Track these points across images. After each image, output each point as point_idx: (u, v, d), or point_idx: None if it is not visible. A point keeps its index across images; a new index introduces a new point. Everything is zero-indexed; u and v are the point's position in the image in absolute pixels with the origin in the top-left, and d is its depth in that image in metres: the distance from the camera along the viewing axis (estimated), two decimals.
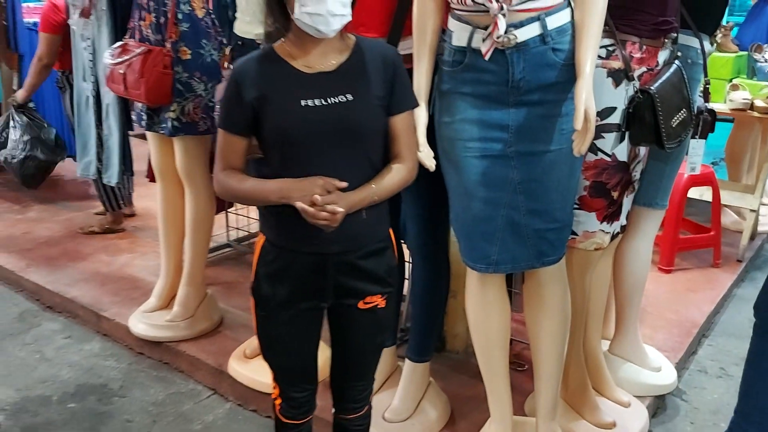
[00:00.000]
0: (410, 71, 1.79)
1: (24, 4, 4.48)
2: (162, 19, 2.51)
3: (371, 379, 1.81)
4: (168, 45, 2.51)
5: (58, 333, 3.01)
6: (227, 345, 2.69)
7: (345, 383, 1.78)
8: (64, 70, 3.64)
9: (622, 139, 1.96)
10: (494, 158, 1.78)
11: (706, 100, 2.19)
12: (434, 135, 1.86)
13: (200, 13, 2.55)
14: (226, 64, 2.45)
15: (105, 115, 3.25)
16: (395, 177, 1.58)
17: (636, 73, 1.94)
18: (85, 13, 3.18)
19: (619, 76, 1.91)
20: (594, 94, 1.64)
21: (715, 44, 3.93)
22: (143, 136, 2.81)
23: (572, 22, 1.71)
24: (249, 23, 2.27)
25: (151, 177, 3.09)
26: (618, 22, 1.91)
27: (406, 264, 2.38)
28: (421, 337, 2.24)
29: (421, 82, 1.83)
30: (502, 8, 1.64)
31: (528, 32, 1.67)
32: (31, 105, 3.94)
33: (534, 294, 1.95)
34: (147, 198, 4.00)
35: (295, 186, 1.48)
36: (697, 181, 3.44)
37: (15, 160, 3.83)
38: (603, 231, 2.02)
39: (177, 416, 2.46)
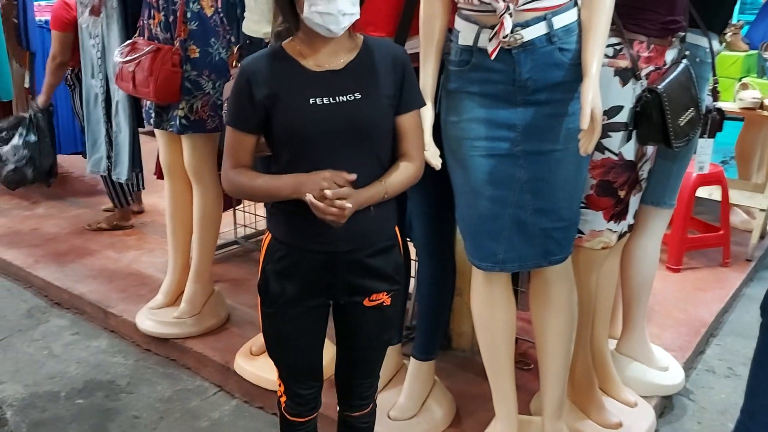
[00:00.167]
0: (416, 70, 1.78)
1: (35, 3, 4.50)
2: (171, 18, 2.52)
3: (377, 376, 1.82)
4: (177, 43, 2.52)
5: (66, 329, 3.03)
6: (234, 342, 2.71)
7: (350, 381, 1.78)
8: (73, 67, 3.66)
9: (629, 138, 1.95)
10: (501, 157, 1.78)
11: (715, 99, 2.18)
12: (440, 134, 1.86)
13: (209, 12, 2.56)
14: (234, 63, 2.46)
15: (114, 113, 3.26)
16: (403, 175, 1.59)
17: (643, 72, 1.93)
18: (94, 11, 3.19)
19: (626, 75, 1.90)
20: (601, 93, 1.64)
21: (724, 43, 3.91)
22: (152, 133, 2.82)
23: (579, 21, 1.70)
24: (257, 22, 2.28)
25: (159, 174, 3.10)
26: (625, 20, 1.90)
27: (412, 262, 2.38)
28: (427, 336, 2.24)
29: (427, 81, 1.83)
30: (508, 8, 1.63)
31: (534, 32, 1.67)
32: (51, 108, 3.89)
33: (540, 293, 1.95)
34: (155, 195, 4.03)
35: (306, 179, 1.49)
36: (706, 180, 3.42)
37: (5, 165, 3.80)
38: (610, 230, 2.01)
39: (184, 413, 2.47)
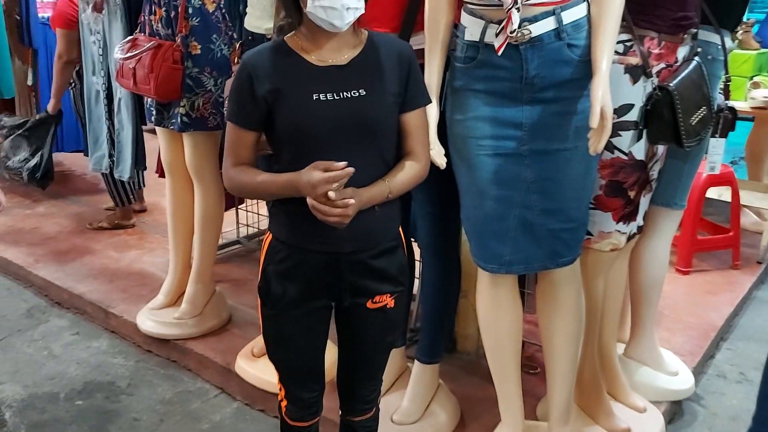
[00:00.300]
0: (422, 67, 1.74)
1: None
2: (172, 14, 2.49)
3: (380, 380, 1.78)
4: (178, 39, 2.48)
5: (66, 329, 3.00)
6: (235, 343, 2.67)
7: (353, 384, 1.74)
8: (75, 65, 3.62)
9: (639, 137, 1.90)
10: (507, 156, 1.73)
11: (727, 97, 2.13)
12: (445, 132, 1.81)
13: (211, 8, 2.52)
14: (236, 60, 2.43)
15: (117, 110, 3.23)
16: (408, 174, 1.55)
17: (654, 70, 1.88)
18: (97, 8, 3.16)
19: (636, 73, 1.85)
20: (611, 91, 1.59)
21: (736, 41, 3.85)
22: (154, 131, 2.78)
23: (588, 16, 1.66)
24: (259, 18, 2.24)
25: (161, 172, 3.06)
26: (636, 16, 1.85)
27: (416, 263, 2.34)
28: (431, 338, 2.19)
29: (432, 78, 1.78)
30: (516, 2, 1.59)
31: (542, 27, 1.62)
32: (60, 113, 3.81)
33: (547, 295, 1.90)
34: (156, 194, 3.99)
35: (301, 174, 1.43)
36: (716, 180, 3.36)
37: (5, 160, 3.77)
38: (619, 231, 1.97)
39: (184, 415, 2.43)
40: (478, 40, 1.68)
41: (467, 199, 1.84)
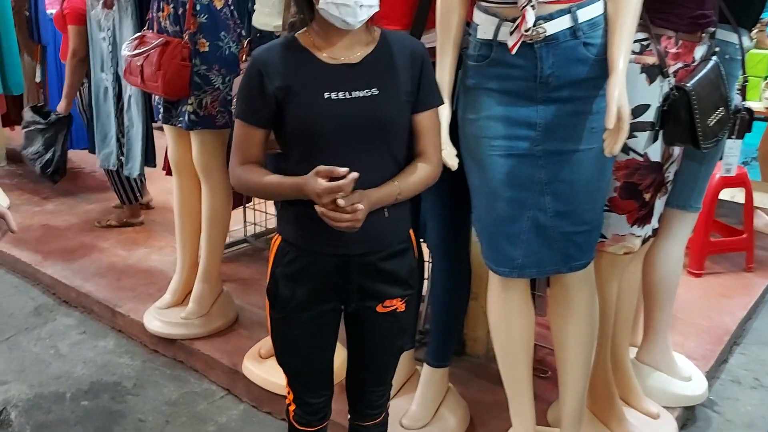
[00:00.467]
0: (433, 65, 1.71)
1: None
2: (180, 10, 2.46)
3: (389, 384, 1.75)
4: (186, 37, 2.46)
5: (73, 328, 2.98)
6: (242, 344, 2.64)
7: (362, 388, 1.71)
8: None
9: (655, 139, 1.86)
10: (520, 157, 1.70)
11: (744, 98, 2.09)
12: (457, 132, 1.78)
13: (219, 5, 2.49)
14: (244, 57, 2.40)
15: (126, 107, 3.21)
16: (419, 175, 1.51)
17: (671, 69, 1.85)
18: (107, 4, 3.14)
19: (653, 72, 1.82)
20: (627, 91, 1.55)
21: (754, 40, 3.78)
22: (162, 128, 2.76)
23: (605, 15, 1.62)
24: (268, 15, 2.21)
25: (168, 170, 3.04)
26: (653, 15, 1.81)
27: (426, 264, 2.30)
28: (441, 342, 2.16)
29: (444, 77, 1.75)
30: (530, 0, 1.55)
31: (558, 25, 1.59)
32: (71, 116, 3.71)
33: (560, 299, 1.86)
34: (165, 192, 3.96)
35: (306, 180, 1.39)
36: (729, 182, 3.31)
37: (24, 150, 3.75)
38: (633, 234, 1.93)
39: (190, 417, 2.41)
40: (491, 38, 1.65)
41: (479, 200, 1.81)
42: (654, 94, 1.82)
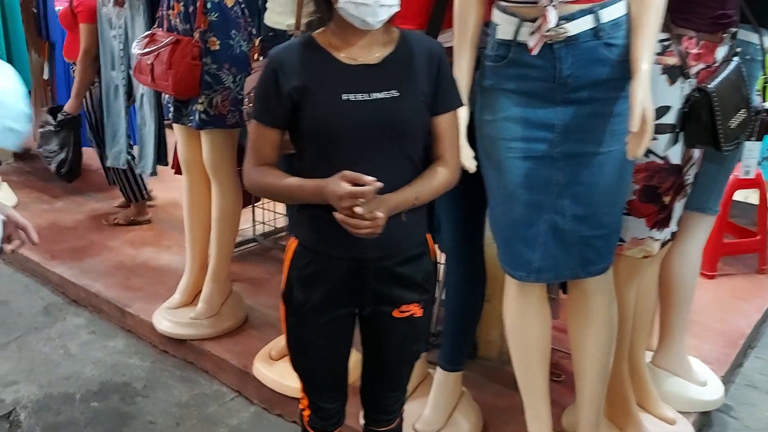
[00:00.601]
0: (450, 65, 1.68)
1: None
2: (191, 8, 2.44)
3: (405, 390, 1.73)
4: (196, 35, 2.43)
5: (83, 328, 2.97)
6: (252, 345, 2.62)
7: (377, 394, 1.70)
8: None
9: (675, 141, 1.83)
10: (538, 159, 1.67)
11: (764, 99, 2.05)
12: (474, 133, 1.75)
13: (230, 3, 2.47)
14: (255, 56, 2.37)
15: (139, 105, 3.19)
16: (438, 180, 1.49)
17: (693, 70, 1.81)
18: (119, 2, 3.11)
19: (674, 73, 1.78)
20: None
21: None
22: (171, 127, 2.74)
23: (628, 15, 1.58)
24: (281, 14, 2.18)
25: (177, 169, 3.02)
26: (673, 15, 1.77)
27: (439, 266, 2.27)
28: (455, 345, 2.13)
29: (462, 77, 1.72)
30: (551, 0, 1.52)
31: (580, 25, 1.56)
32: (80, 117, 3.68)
33: (578, 304, 1.84)
34: (173, 190, 3.94)
35: (326, 183, 1.37)
36: (743, 183, 3.27)
37: (40, 147, 3.74)
38: (652, 238, 1.90)
39: (201, 419, 2.39)
40: (511, 38, 1.62)
41: (495, 202, 1.78)
42: (675, 95, 1.79)
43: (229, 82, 2.49)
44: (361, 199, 1.33)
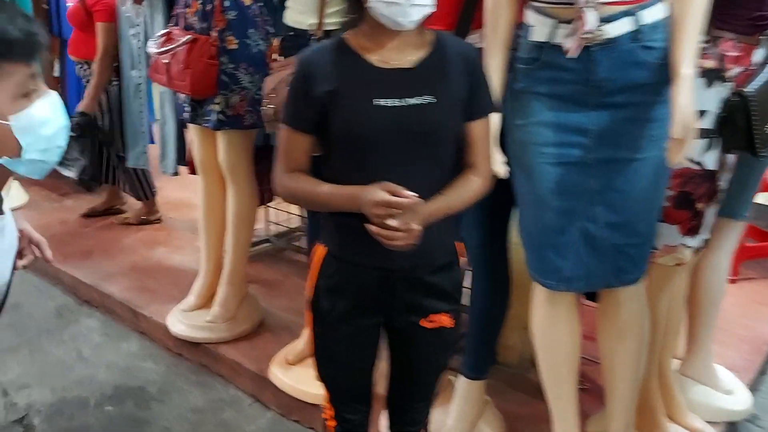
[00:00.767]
0: None
1: None
2: (208, 7, 2.39)
3: (431, 401, 1.68)
4: (214, 34, 2.38)
5: (95, 330, 2.93)
6: (269, 349, 2.57)
7: (404, 404, 1.65)
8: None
9: (711, 146, 1.78)
10: (571, 165, 1.62)
11: None
12: (504, 138, 1.70)
13: (248, 1, 2.41)
14: (272, 55, 2.32)
15: (160, 104, 3.14)
16: (471, 190, 1.44)
17: (730, 74, 1.76)
18: (137, 0, 3.07)
19: (711, 76, 1.73)
20: None
21: None
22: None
23: (668, 17, 1.53)
24: (302, 13, 2.13)
25: (191, 169, 2.97)
26: (711, 16, 1.72)
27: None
28: (479, 353, 2.08)
29: (493, 80, 1.66)
30: (589, 1, 1.47)
31: (619, 28, 1.51)
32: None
33: (610, 315, 1.78)
34: (184, 189, 3.90)
35: (362, 192, 1.32)
36: (766, 186, 3.21)
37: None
38: (685, 245, 1.85)
39: (217, 425, 2.35)
40: (546, 40, 1.57)
41: (526, 209, 1.73)
42: (712, 99, 1.74)
43: (246, 81, 2.44)
44: (398, 210, 1.29)
